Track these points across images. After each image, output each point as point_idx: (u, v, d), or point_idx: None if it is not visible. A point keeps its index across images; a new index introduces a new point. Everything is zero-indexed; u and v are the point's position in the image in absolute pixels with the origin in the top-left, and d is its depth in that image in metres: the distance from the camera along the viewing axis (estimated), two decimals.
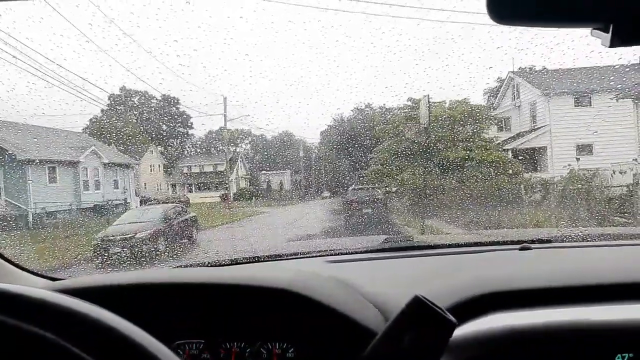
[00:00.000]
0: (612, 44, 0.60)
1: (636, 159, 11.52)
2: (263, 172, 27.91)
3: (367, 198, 13.21)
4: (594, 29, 0.63)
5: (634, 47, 0.66)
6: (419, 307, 0.69)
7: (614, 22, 0.59)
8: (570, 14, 0.60)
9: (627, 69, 12.31)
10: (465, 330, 0.93)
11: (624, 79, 13.05)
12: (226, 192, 22.39)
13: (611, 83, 13.85)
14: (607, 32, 0.60)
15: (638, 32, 0.59)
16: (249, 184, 27.38)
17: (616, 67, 13.40)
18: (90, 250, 8.27)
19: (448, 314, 0.69)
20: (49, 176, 14.62)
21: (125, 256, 8.03)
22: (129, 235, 8.45)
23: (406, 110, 15.45)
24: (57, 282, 1.33)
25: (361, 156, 17.75)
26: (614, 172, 11.21)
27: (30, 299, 0.64)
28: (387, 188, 14.34)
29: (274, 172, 27.49)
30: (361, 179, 16.66)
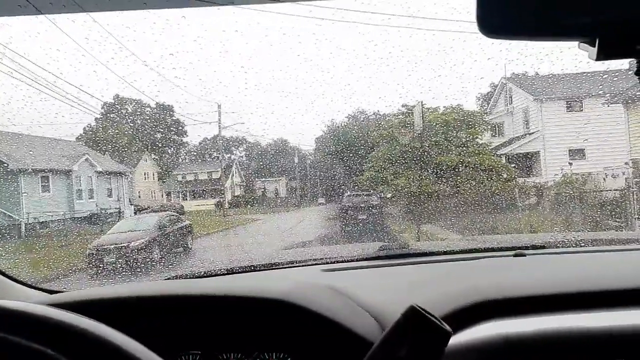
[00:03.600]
0: (598, 58, 0.61)
1: (627, 163, 11.65)
2: (258, 179, 27.86)
3: (362, 204, 13.22)
4: (581, 42, 0.64)
5: None
6: (414, 317, 0.69)
7: (600, 36, 0.60)
8: (558, 28, 0.62)
9: (615, 77, 12.50)
10: (460, 338, 0.94)
11: (612, 87, 13.24)
12: (221, 199, 22.33)
13: (600, 92, 14.03)
14: (594, 46, 0.61)
15: (623, 47, 0.61)
16: (244, 191, 27.31)
17: (604, 76, 13.61)
18: (85, 259, 8.20)
19: (444, 323, 0.69)
20: (41, 185, 14.50)
21: (119, 266, 7.97)
22: (123, 245, 8.38)
23: (400, 116, 15.54)
24: (55, 295, 1.32)
25: (356, 162, 17.79)
26: (606, 176, 11.33)
27: (30, 315, 0.64)
28: (382, 194, 14.37)
29: (269, 179, 27.46)
30: (356, 185, 16.68)
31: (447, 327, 0.69)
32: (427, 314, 0.69)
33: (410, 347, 0.68)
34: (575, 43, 0.66)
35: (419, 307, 0.70)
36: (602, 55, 0.61)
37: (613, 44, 0.60)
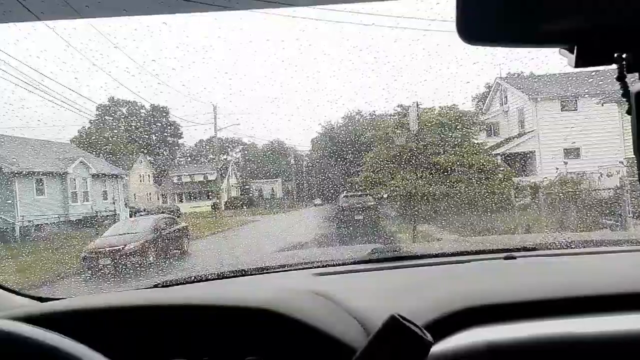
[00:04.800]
0: (577, 64, 0.61)
1: (622, 162, 11.70)
2: (254, 180, 27.83)
3: (358, 205, 13.23)
4: (561, 49, 0.64)
5: None
6: (394, 327, 0.69)
7: (578, 43, 0.60)
8: (537, 35, 0.62)
9: (607, 77, 12.57)
10: (445, 345, 0.93)
11: (605, 86, 13.30)
12: (217, 201, 22.28)
13: (594, 91, 14.10)
14: (572, 52, 0.61)
15: (601, 54, 0.61)
16: (240, 192, 27.26)
17: (595, 76, 13.69)
18: (80, 263, 8.16)
19: (425, 332, 0.69)
20: (36, 188, 14.43)
21: (115, 269, 7.94)
22: (118, 247, 8.35)
23: (396, 117, 15.57)
24: (46, 303, 1.31)
25: (352, 163, 17.82)
26: (601, 175, 11.37)
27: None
28: (378, 195, 14.38)
29: (266, 180, 27.43)
30: (353, 186, 16.68)
31: (428, 337, 0.68)
32: (408, 323, 0.68)
33: (390, 356, 0.68)
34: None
35: (400, 316, 0.69)
36: (580, 62, 0.61)
37: (591, 51, 0.60)
